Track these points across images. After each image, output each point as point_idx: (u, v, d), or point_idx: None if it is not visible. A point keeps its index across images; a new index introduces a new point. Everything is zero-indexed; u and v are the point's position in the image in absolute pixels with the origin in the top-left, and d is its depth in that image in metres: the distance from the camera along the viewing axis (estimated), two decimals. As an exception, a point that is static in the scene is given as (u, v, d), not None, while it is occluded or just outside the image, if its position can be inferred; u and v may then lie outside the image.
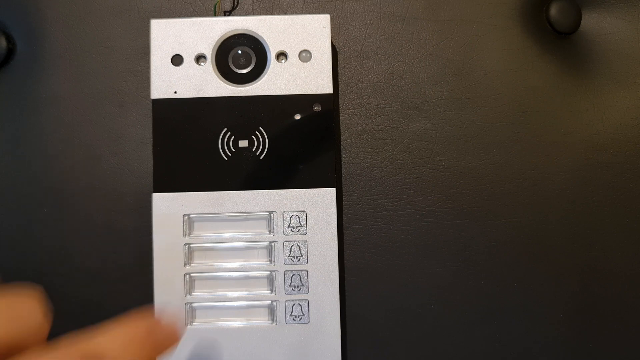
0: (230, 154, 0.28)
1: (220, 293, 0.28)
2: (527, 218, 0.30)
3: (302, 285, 0.27)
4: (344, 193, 0.30)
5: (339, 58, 0.31)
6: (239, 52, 0.28)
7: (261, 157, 0.28)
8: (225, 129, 0.28)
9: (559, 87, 0.31)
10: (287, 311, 0.27)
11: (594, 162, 0.31)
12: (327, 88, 0.28)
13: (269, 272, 0.28)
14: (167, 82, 0.28)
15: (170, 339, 0.21)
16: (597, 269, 0.30)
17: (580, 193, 0.30)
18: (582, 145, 0.31)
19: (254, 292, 0.28)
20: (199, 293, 0.28)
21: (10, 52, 0.30)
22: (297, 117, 0.28)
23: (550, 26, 0.31)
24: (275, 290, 0.28)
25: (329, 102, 0.28)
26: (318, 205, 0.28)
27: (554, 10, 0.31)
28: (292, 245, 0.28)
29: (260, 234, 0.28)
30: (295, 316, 0.27)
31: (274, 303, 0.27)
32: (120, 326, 0.20)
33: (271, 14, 0.31)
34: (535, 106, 0.31)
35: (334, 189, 0.28)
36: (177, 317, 0.26)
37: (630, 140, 0.31)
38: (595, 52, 0.31)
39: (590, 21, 0.32)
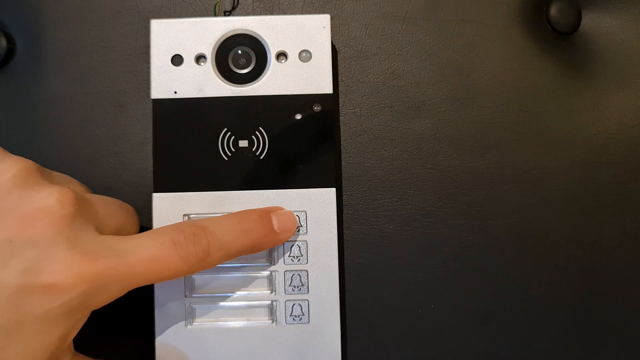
0: (230, 154, 0.28)
1: (220, 293, 0.28)
2: (527, 218, 0.30)
3: (302, 285, 0.28)
4: (344, 193, 0.30)
5: (339, 58, 0.31)
6: (239, 52, 0.28)
7: (261, 157, 0.28)
8: (226, 129, 0.28)
9: (559, 87, 0.31)
10: (287, 311, 0.28)
11: (594, 162, 0.31)
12: (327, 88, 0.28)
13: (269, 272, 0.28)
14: (167, 82, 0.28)
15: (282, 231, 0.27)
16: (597, 269, 0.30)
17: (580, 193, 0.30)
18: (582, 145, 0.31)
19: (254, 292, 0.28)
20: (198, 293, 0.28)
21: (10, 52, 0.30)
22: (297, 117, 0.28)
23: (550, 26, 0.32)
24: (275, 290, 0.28)
25: (329, 102, 0.28)
26: (318, 205, 0.28)
27: (554, 10, 0.32)
28: (292, 245, 0.28)
29: (260, 234, 0.28)
30: (295, 316, 0.28)
31: (274, 303, 0.28)
32: (235, 214, 0.26)
33: (271, 14, 0.31)
34: (535, 106, 0.31)
35: (334, 189, 0.28)
36: (290, 213, 0.28)
37: (630, 140, 0.31)
38: (595, 52, 0.32)
39: (590, 21, 0.32)
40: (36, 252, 0.21)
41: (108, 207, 0.25)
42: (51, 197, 0.22)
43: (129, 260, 0.22)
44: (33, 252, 0.21)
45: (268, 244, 0.27)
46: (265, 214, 0.27)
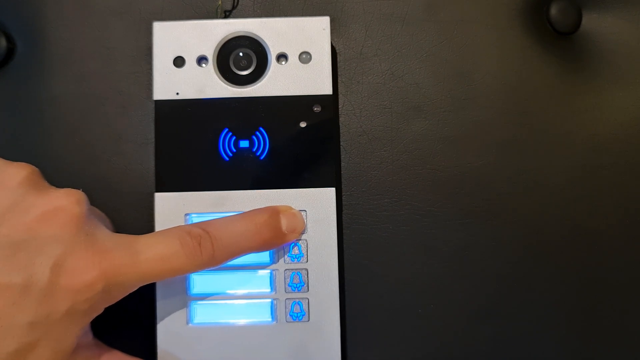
0: (231, 154, 0.29)
1: (221, 291, 0.29)
2: (527, 218, 0.31)
3: (302, 284, 0.29)
4: (343, 193, 0.31)
5: (338, 59, 0.31)
6: (240, 53, 0.29)
7: (261, 158, 0.29)
8: (227, 129, 0.29)
9: (559, 87, 0.32)
10: (287, 310, 0.28)
11: (594, 162, 0.31)
12: (326, 89, 0.29)
13: (269, 270, 0.29)
14: (169, 84, 0.29)
15: (290, 232, 0.28)
16: (597, 269, 0.31)
17: (580, 193, 0.31)
18: (582, 145, 0.31)
19: (255, 290, 0.29)
20: (199, 291, 0.29)
21: (10, 52, 0.31)
22: (297, 117, 0.29)
23: (551, 26, 0.32)
24: (275, 289, 0.29)
25: (328, 103, 0.29)
26: (318, 204, 0.29)
27: (554, 10, 0.32)
28: (292, 244, 0.29)
29: (261, 233, 0.29)
30: (295, 315, 0.29)
31: (274, 301, 0.29)
32: (244, 215, 0.27)
33: (272, 16, 0.32)
34: (535, 106, 0.31)
35: (334, 188, 0.29)
36: (298, 214, 0.29)
37: (630, 140, 0.32)
38: (595, 52, 0.32)
39: (590, 21, 0.33)
40: (61, 249, 0.23)
41: (99, 209, 0.28)
42: (69, 196, 0.24)
43: (141, 257, 0.24)
44: (58, 249, 0.23)
45: (275, 244, 0.28)
46: (275, 214, 0.28)
